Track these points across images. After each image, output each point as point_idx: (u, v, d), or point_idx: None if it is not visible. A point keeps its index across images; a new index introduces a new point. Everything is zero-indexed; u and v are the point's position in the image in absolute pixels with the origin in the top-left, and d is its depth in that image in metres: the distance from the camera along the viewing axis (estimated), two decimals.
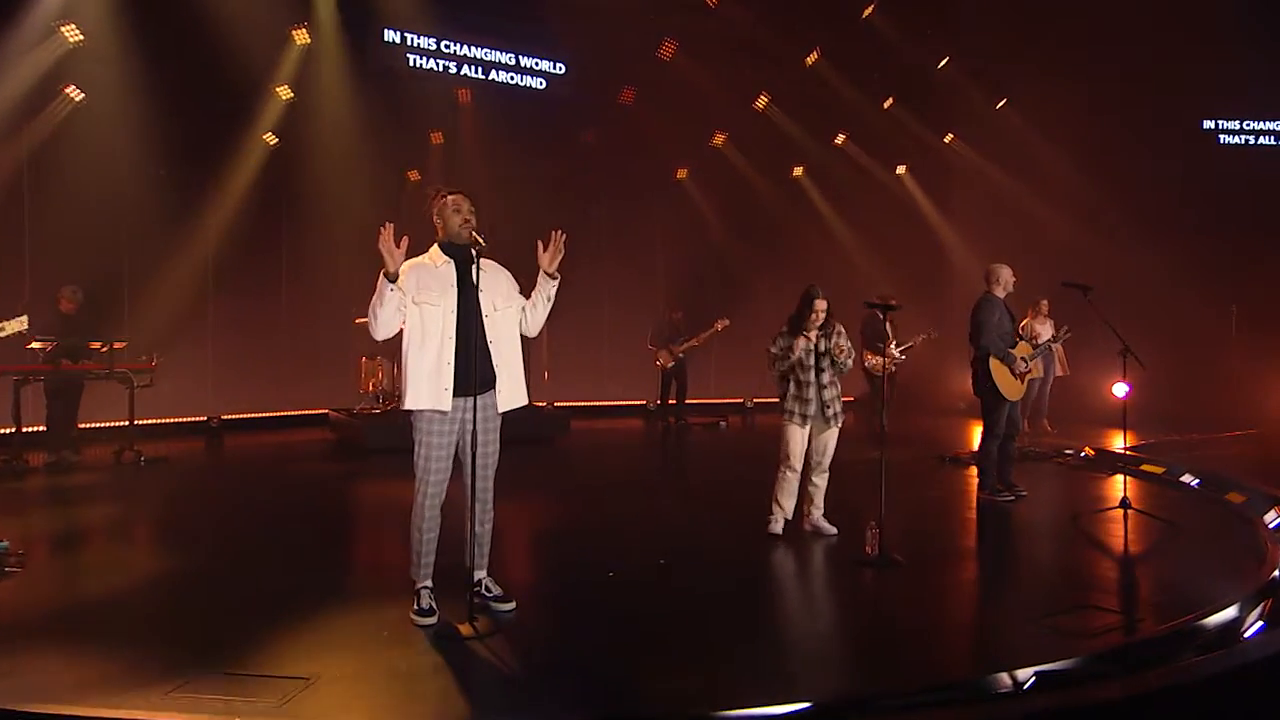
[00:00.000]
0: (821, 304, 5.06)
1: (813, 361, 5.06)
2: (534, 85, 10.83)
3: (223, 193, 9.75)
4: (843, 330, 5.22)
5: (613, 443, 9.89)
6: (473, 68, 10.54)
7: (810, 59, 11.36)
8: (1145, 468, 7.24)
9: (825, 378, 5.11)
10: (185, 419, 9.58)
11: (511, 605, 3.80)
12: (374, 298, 3.52)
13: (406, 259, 3.59)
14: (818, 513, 5.22)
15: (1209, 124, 11.65)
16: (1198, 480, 6.58)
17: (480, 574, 3.82)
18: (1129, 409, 11.18)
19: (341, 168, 10.24)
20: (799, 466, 5.11)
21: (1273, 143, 11.72)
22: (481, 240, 3.57)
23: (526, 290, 3.86)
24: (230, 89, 9.32)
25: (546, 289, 3.73)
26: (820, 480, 5.21)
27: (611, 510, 6.16)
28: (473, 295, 3.63)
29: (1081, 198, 11.50)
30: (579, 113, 11.32)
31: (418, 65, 10.19)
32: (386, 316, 3.55)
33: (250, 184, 9.89)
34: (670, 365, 10.36)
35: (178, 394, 9.12)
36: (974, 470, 6.76)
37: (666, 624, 3.72)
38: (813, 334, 5.10)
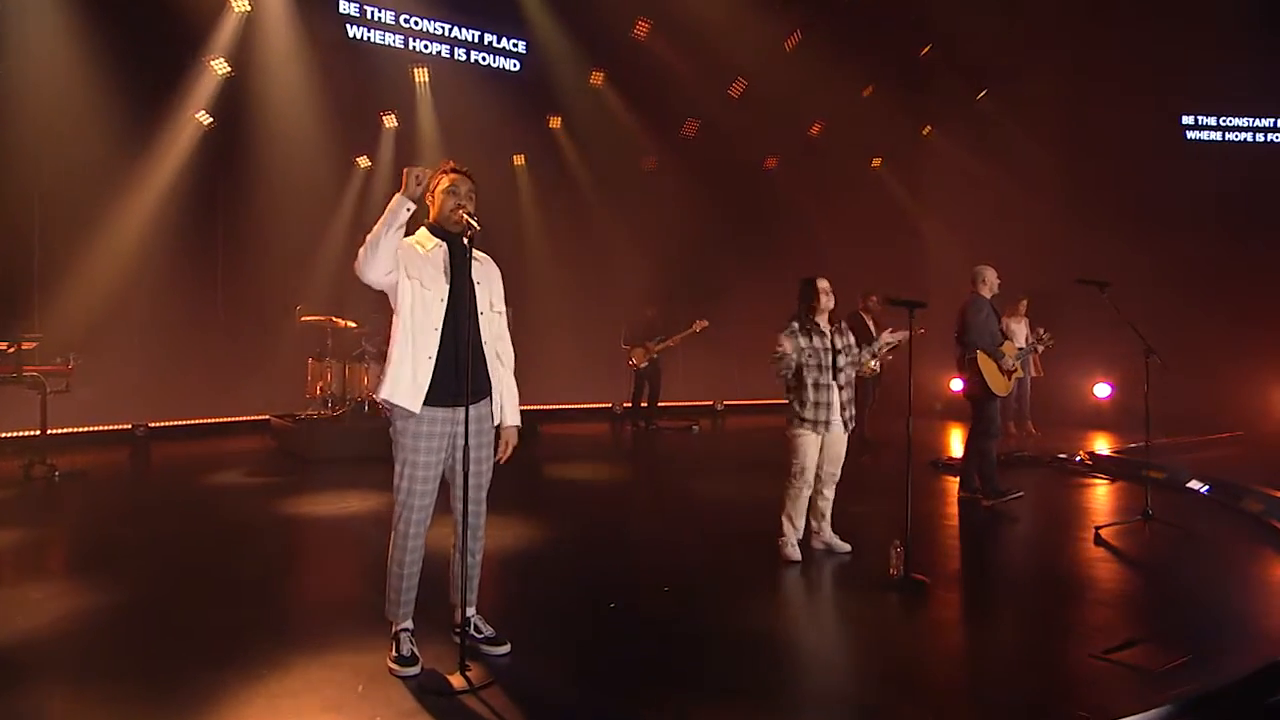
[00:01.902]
0: (824, 283, 4.81)
1: (830, 361, 4.71)
2: (498, 65, 10.32)
3: (149, 176, 9.04)
4: (847, 328, 4.95)
5: (584, 449, 9.44)
6: (433, 44, 9.97)
7: (790, 42, 11.05)
8: (1149, 473, 7.10)
9: (842, 378, 4.79)
10: (106, 427, 8.83)
11: (506, 648, 3.34)
12: (380, 225, 2.98)
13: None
14: (828, 528, 4.91)
15: (1188, 119, 11.75)
16: (1206, 487, 6.45)
17: (469, 611, 3.36)
18: (1106, 411, 11.29)
19: (283, 151, 9.68)
20: (812, 479, 4.76)
21: (1250, 140, 11.87)
22: (476, 224, 3.10)
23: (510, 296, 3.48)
24: (158, 60, 8.66)
25: (495, 423, 3.37)
26: (830, 493, 4.91)
27: (598, 528, 5.73)
28: (467, 286, 3.18)
29: (1061, 195, 11.47)
30: (545, 95, 10.85)
31: (372, 39, 9.58)
32: (387, 250, 3.00)
33: (180, 167, 9.24)
34: (643, 366, 9.97)
35: (98, 399, 8.39)
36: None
37: (680, 664, 3.31)
38: (827, 329, 4.78)
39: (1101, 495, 6.74)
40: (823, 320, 4.81)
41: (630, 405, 10.46)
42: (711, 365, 12.36)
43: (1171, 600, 4.19)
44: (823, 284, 4.82)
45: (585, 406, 11.91)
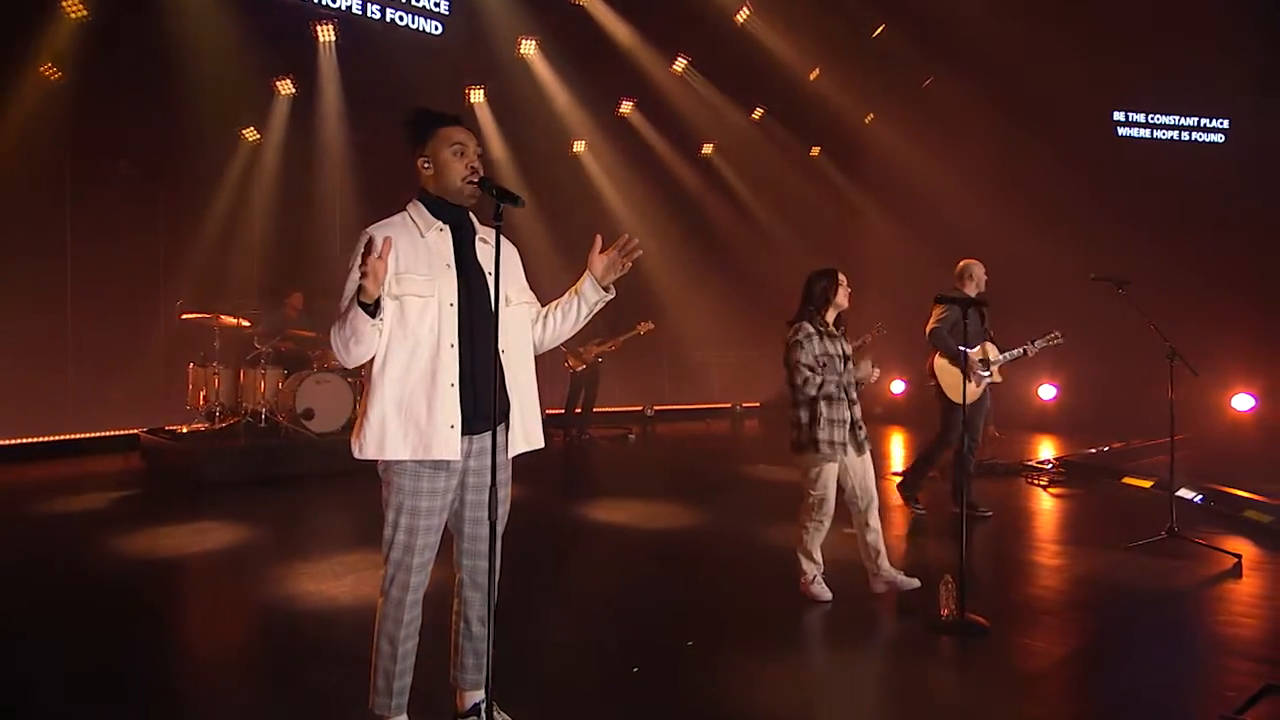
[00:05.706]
0: (844, 277, 4.37)
1: (843, 369, 4.27)
2: (416, 26, 9.46)
3: None
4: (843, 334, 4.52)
5: (518, 463, 8.70)
6: None
7: (740, 15, 10.64)
8: (1130, 481, 7.10)
9: (854, 392, 4.34)
10: None
11: None
12: (343, 327, 2.40)
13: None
14: (887, 564, 4.33)
15: (1119, 115, 12.14)
16: (1199, 495, 6.41)
17: (480, 695, 2.70)
18: (1054, 414, 11.47)
19: (152, 117, 8.59)
20: (832, 510, 4.27)
21: (1177, 138, 12.39)
22: (515, 196, 2.44)
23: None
24: None
25: (592, 300, 2.74)
26: (876, 523, 4.33)
27: (578, 568, 5.08)
28: (480, 279, 2.54)
29: (997, 192, 11.59)
30: (468, 64, 10.08)
31: None
32: (362, 351, 2.44)
33: (20, 134, 7.97)
34: (582, 369, 9.38)
35: None
36: (946, 488, 6.40)
37: None
38: (836, 331, 4.35)
39: (1101, 506, 6.63)
40: (832, 312, 4.36)
41: (562, 411, 9.84)
42: (642, 366, 11.89)
43: (1253, 627, 3.94)
44: (844, 277, 4.38)
45: None
